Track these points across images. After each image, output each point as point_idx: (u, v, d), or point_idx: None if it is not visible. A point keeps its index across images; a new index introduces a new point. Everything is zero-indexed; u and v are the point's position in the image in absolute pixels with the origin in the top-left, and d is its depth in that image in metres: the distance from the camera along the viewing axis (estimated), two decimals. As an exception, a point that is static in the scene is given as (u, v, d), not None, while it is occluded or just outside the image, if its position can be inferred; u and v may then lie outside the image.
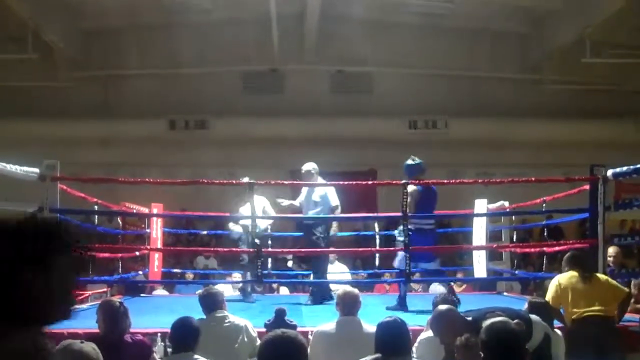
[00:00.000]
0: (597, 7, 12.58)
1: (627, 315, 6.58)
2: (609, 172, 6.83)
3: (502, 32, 15.35)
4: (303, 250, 8.55)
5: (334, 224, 8.42)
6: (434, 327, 4.53)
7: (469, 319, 4.50)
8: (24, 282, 1.46)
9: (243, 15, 14.39)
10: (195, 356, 4.28)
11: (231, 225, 8.86)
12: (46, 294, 1.48)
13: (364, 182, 9.95)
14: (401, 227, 7.29)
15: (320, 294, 8.06)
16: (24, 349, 1.46)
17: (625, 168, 6.70)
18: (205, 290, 5.47)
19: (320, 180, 8.34)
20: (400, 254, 7.35)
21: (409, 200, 7.26)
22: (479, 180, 8.17)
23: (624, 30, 13.59)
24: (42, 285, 1.47)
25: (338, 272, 10.25)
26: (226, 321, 5.09)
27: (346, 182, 8.37)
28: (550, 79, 15.38)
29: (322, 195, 8.18)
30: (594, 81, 15.01)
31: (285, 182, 8.35)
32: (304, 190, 8.47)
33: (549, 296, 5.78)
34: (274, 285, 10.66)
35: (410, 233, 7.10)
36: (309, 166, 8.27)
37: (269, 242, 9.25)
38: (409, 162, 7.67)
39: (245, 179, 7.81)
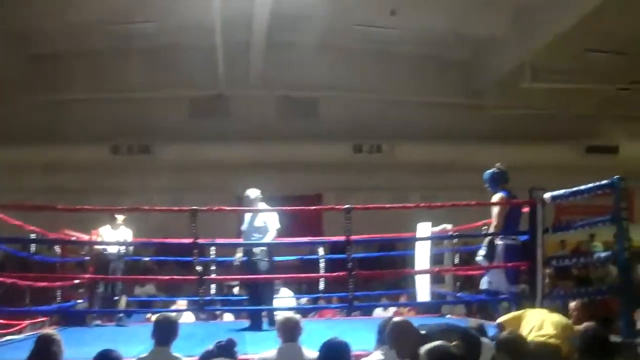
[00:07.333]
0: (537, 35, 12.87)
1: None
2: (547, 195, 6.95)
3: (446, 58, 15.61)
4: (246, 277, 8.40)
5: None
6: (389, 338, 4.56)
7: (423, 332, 4.56)
8: None
9: (189, 41, 14.33)
10: None
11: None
12: None
13: (308, 207, 9.95)
14: (489, 243, 7.01)
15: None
16: None
17: (562, 191, 6.82)
18: (165, 317, 5.18)
19: (264, 206, 8.28)
20: (491, 273, 7.11)
21: (496, 211, 7.08)
22: (421, 205, 8.18)
23: (563, 56, 13.94)
24: None
25: (283, 298, 10.17)
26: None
27: (290, 208, 8.34)
28: (493, 104, 15.69)
29: (264, 221, 8.13)
30: (535, 106, 15.35)
31: (227, 208, 8.23)
32: (247, 216, 8.40)
33: (507, 317, 5.85)
34: (217, 312, 10.52)
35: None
36: (253, 193, 8.23)
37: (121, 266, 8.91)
38: (494, 170, 7.36)
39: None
